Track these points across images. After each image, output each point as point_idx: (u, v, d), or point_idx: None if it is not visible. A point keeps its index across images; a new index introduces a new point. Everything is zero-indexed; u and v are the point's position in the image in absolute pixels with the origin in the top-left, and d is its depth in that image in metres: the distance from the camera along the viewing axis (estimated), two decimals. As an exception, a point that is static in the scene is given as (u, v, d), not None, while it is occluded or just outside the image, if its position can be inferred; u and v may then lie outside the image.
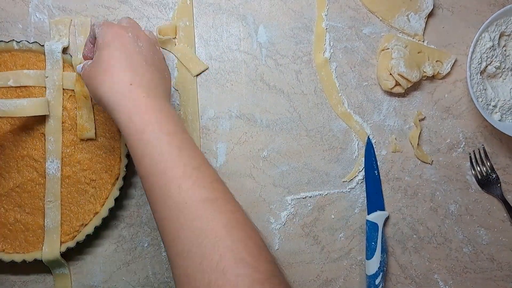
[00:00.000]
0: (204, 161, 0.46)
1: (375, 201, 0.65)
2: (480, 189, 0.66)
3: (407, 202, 0.66)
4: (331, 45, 0.65)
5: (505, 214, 0.66)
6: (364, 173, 0.65)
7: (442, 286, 0.65)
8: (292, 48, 0.65)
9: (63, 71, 0.60)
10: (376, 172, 0.65)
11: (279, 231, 0.64)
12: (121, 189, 0.60)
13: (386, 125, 0.66)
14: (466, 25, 0.67)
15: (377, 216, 0.64)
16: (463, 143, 0.66)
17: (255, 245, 0.42)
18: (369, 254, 0.63)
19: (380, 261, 0.62)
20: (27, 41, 0.60)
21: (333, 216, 0.65)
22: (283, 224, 0.64)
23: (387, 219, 0.65)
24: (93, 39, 0.53)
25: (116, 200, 0.60)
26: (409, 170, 0.66)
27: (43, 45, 0.60)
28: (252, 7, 0.65)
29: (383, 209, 0.65)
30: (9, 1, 0.63)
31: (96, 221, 0.59)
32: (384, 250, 0.63)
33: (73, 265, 0.62)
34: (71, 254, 0.62)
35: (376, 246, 0.62)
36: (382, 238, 0.63)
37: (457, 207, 0.66)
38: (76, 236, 0.59)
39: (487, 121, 0.62)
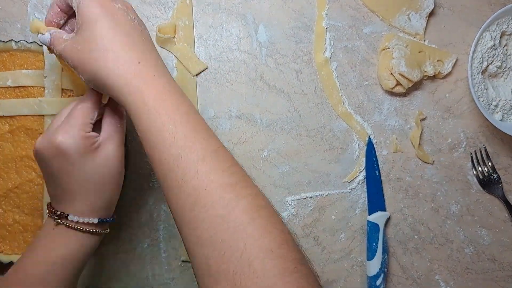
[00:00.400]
0: (220, 144, 0.44)
1: (376, 201, 0.64)
2: (481, 189, 0.66)
3: (408, 203, 0.65)
4: (332, 44, 0.65)
5: (506, 215, 0.66)
6: (365, 173, 0.65)
7: (443, 287, 0.65)
8: (292, 48, 0.65)
9: (62, 71, 0.60)
10: (377, 172, 0.64)
11: (279, 232, 0.64)
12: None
13: (387, 125, 0.65)
14: (467, 25, 0.66)
15: (378, 217, 0.63)
16: (464, 143, 0.66)
17: (279, 232, 0.40)
18: (370, 255, 0.62)
19: (381, 262, 0.62)
20: (26, 41, 0.60)
21: (333, 217, 0.64)
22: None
23: (388, 219, 0.64)
24: (63, 4, 0.48)
25: None
26: (410, 170, 0.65)
27: (41, 45, 0.59)
28: (252, 6, 0.65)
29: (384, 209, 0.64)
30: (7, 1, 0.62)
31: None
32: (385, 251, 0.63)
33: (72, 266, 0.62)
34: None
35: (377, 247, 0.62)
36: (383, 239, 0.63)
37: (459, 207, 0.66)
38: None
39: (488, 121, 0.61)
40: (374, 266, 0.62)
